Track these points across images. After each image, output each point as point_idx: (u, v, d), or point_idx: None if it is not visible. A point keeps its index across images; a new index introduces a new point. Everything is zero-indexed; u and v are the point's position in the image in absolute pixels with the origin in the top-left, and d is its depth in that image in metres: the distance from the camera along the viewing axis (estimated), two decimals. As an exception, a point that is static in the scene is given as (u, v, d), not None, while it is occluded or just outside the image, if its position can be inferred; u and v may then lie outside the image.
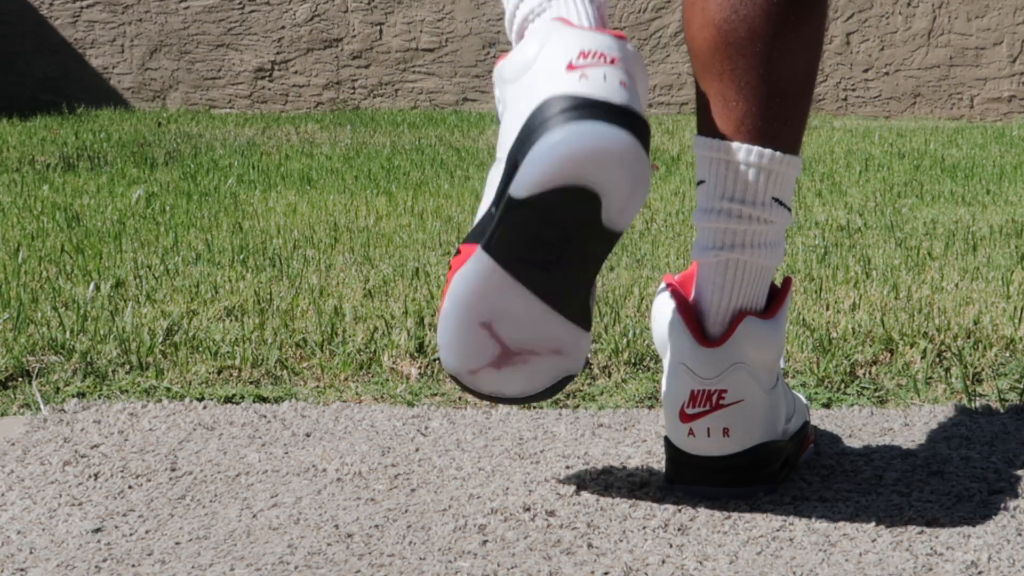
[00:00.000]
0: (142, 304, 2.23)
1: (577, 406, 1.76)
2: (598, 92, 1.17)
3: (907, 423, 1.66)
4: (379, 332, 2.01)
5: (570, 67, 1.18)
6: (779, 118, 1.36)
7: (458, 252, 1.30)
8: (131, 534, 1.28)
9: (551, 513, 1.32)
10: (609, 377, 1.87)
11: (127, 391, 1.80)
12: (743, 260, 1.36)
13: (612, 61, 1.20)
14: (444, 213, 3.37)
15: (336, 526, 1.29)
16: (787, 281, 1.42)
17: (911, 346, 1.95)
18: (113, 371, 1.87)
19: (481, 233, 1.26)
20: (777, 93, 1.35)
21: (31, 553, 1.24)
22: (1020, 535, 1.26)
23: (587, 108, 1.15)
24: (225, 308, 2.20)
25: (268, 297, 2.27)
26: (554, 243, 1.24)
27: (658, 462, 1.47)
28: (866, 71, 7.14)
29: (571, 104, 1.17)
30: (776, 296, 1.41)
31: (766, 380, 1.38)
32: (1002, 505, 1.33)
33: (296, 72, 7.26)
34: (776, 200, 1.37)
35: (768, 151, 1.35)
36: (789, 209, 1.38)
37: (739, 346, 1.35)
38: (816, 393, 1.79)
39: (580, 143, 1.17)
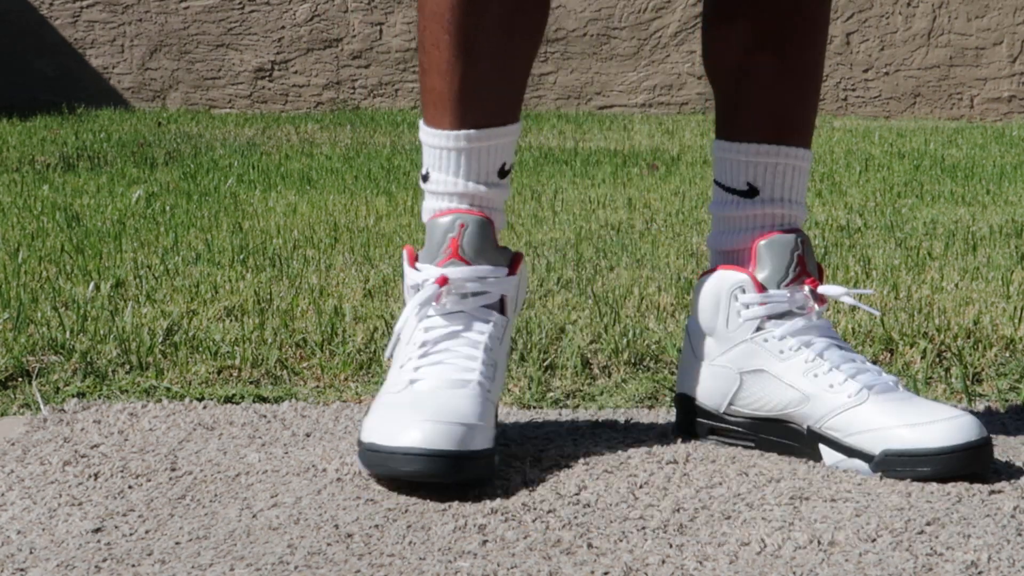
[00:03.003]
0: (142, 304, 2.23)
1: (577, 406, 1.76)
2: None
3: (907, 423, 1.65)
4: (379, 332, 2.01)
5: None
6: None
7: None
8: (131, 534, 1.28)
9: (551, 513, 1.32)
10: (609, 377, 1.87)
11: (127, 391, 1.80)
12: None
13: None
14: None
15: (336, 526, 1.29)
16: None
17: (911, 346, 1.95)
18: (113, 371, 1.87)
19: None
20: None
21: (31, 553, 1.23)
22: (1020, 535, 1.26)
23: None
24: (225, 308, 2.20)
25: (268, 297, 2.27)
26: None
27: (658, 462, 1.47)
28: (866, 71, 7.14)
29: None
30: None
31: None
32: (1002, 505, 1.34)
33: (296, 72, 7.26)
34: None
35: None
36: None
37: None
38: (816, 393, 1.79)
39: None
